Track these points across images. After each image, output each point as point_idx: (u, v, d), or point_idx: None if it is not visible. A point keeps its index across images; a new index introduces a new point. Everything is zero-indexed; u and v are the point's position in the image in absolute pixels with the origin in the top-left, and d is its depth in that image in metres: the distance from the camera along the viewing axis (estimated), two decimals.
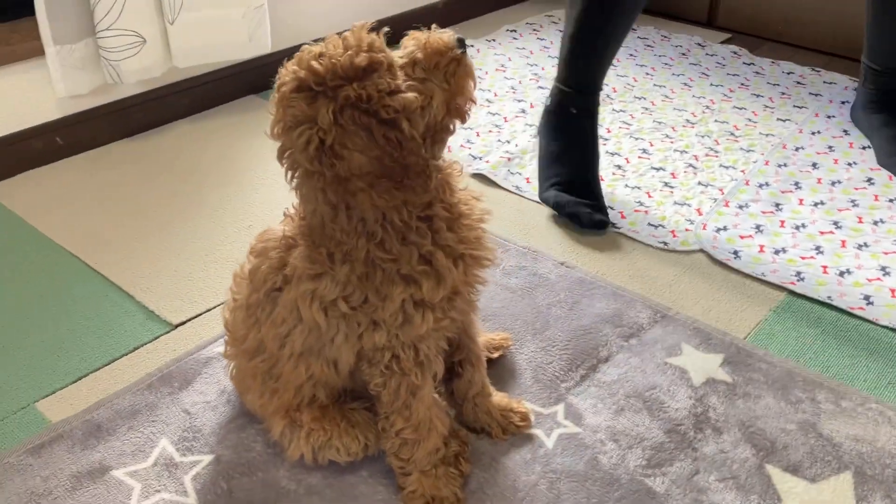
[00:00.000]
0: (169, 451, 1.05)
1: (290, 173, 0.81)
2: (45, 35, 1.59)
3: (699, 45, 2.35)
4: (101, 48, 1.63)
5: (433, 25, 0.85)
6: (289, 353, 0.93)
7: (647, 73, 2.18)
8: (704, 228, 1.53)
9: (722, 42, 2.39)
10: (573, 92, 1.60)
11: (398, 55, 0.83)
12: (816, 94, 2.06)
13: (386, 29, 0.82)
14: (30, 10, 1.59)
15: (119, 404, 1.12)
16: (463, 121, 0.86)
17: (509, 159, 1.75)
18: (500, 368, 1.19)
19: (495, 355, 1.19)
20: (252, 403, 1.04)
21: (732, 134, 1.87)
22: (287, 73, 0.79)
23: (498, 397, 1.10)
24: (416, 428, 0.95)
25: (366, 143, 0.77)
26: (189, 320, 1.28)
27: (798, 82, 2.13)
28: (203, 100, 1.88)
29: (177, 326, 1.28)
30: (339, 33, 0.80)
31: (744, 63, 2.24)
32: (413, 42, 0.84)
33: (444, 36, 0.83)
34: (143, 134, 1.85)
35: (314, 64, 0.78)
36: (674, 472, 1.04)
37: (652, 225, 1.55)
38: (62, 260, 1.43)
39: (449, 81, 0.83)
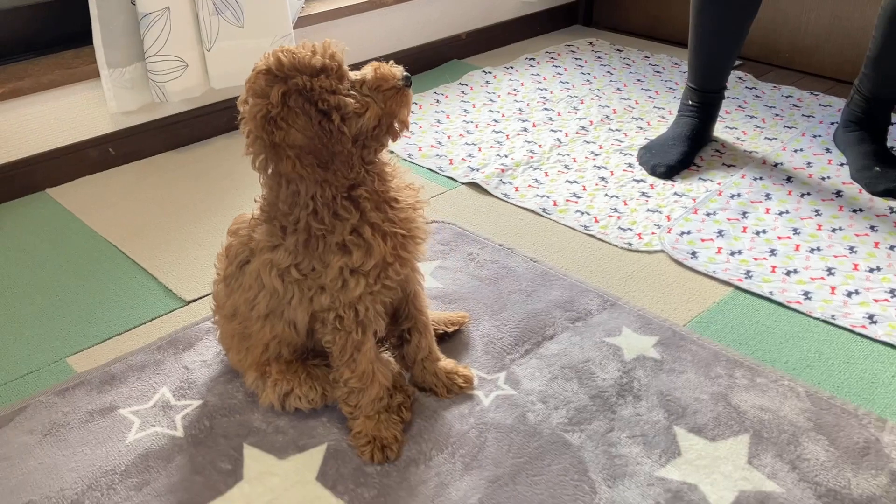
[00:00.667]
0: (167, 397, 1.26)
1: (248, 145, 1.02)
2: (101, 60, 1.86)
3: None
4: (149, 71, 1.89)
5: (391, 61, 1.05)
6: (256, 315, 1.14)
7: (650, 97, 2.34)
8: (669, 232, 1.68)
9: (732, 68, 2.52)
10: (690, 87, 1.98)
11: (354, 74, 1.03)
12: (809, 116, 2.18)
13: (403, 71, 1.03)
14: (90, 39, 1.86)
15: (132, 360, 1.34)
16: (394, 139, 1.06)
17: (503, 170, 1.93)
18: (456, 341, 1.37)
19: (451, 329, 1.36)
20: (232, 360, 1.25)
21: (718, 151, 2.01)
22: (261, 60, 1.00)
23: (445, 362, 1.27)
24: (361, 377, 1.13)
25: (303, 124, 0.97)
26: (199, 298, 1.50)
27: (794, 105, 2.25)
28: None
29: (189, 303, 1.50)
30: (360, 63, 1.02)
31: (746, 87, 2.37)
32: (370, 67, 1.04)
33: (394, 69, 1.04)
34: (186, 147, 2.10)
35: (281, 56, 0.99)
36: (591, 430, 1.19)
37: (622, 228, 1.70)
38: (102, 248, 1.67)
39: (386, 103, 1.03)
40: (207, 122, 2.11)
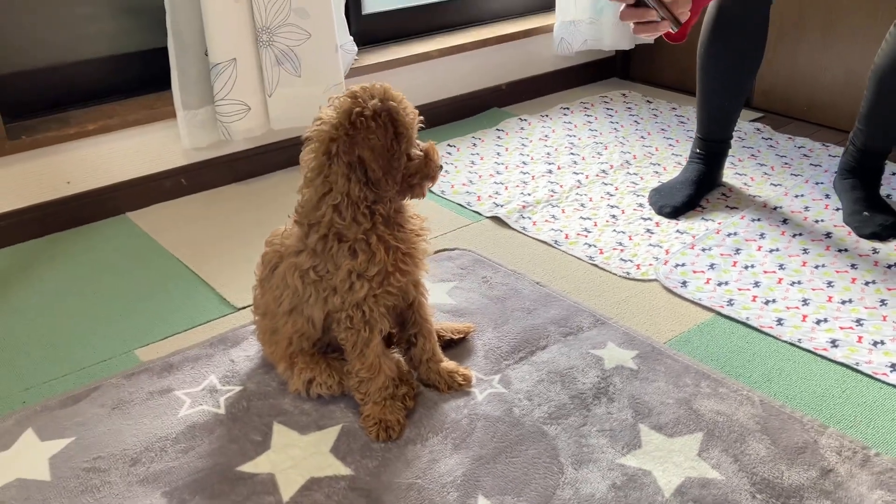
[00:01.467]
0: (214, 382, 1.51)
1: (321, 132, 1.27)
2: (177, 102, 2.16)
3: None
4: (218, 113, 2.19)
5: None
6: (282, 311, 1.38)
7: (671, 145, 2.53)
8: (666, 263, 1.86)
9: (752, 120, 2.71)
10: (697, 136, 2.18)
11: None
12: (816, 165, 2.34)
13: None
14: (169, 84, 2.17)
15: (188, 353, 1.60)
16: (412, 195, 1.34)
17: (524, 206, 2.15)
18: (462, 348, 1.58)
19: (457, 337, 1.58)
20: (266, 353, 1.49)
21: (724, 194, 2.19)
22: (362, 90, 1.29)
23: (447, 363, 1.49)
24: (369, 368, 1.36)
25: (382, 135, 1.24)
26: (248, 305, 1.75)
27: (805, 155, 2.42)
28: (295, 155, 2.39)
29: (239, 309, 1.75)
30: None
31: (762, 137, 2.55)
32: (428, 142, 1.34)
33: (440, 158, 1.35)
34: (248, 180, 2.39)
35: (387, 89, 1.29)
36: (566, 423, 1.39)
37: (623, 259, 1.90)
38: (171, 263, 1.95)
39: (424, 169, 1.32)
40: (267, 158, 2.40)
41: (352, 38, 2.43)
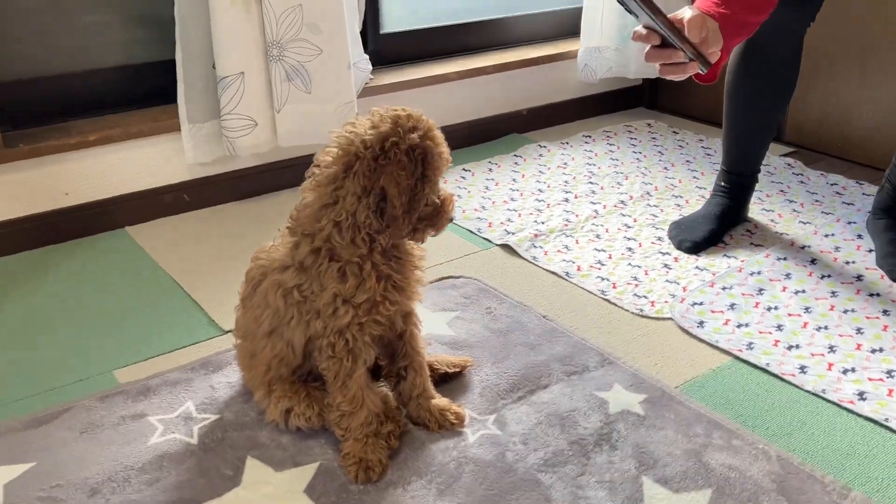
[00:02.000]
0: (190, 409, 1.42)
1: (349, 144, 1.18)
2: (183, 115, 2.10)
3: None
4: (223, 128, 2.12)
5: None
6: (262, 332, 1.29)
7: (695, 177, 2.42)
8: (682, 301, 1.75)
9: (783, 155, 2.59)
10: (722, 169, 2.07)
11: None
12: (849, 203, 2.22)
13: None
14: (175, 98, 2.10)
15: (168, 377, 1.51)
16: (415, 239, 1.25)
17: (536, 235, 2.05)
18: (456, 383, 1.48)
19: (452, 371, 1.48)
20: (245, 378, 1.40)
21: (749, 231, 2.08)
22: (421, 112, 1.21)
23: (439, 400, 1.38)
24: (351, 402, 1.26)
25: (409, 172, 1.15)
26: None
27: (837, 192, 2.30)
28: (302, 174, 2.32)
29: (227, 332, 1.66)
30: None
31: (793, 173, 2.43)
32: (446, 191, 1.25)
33: (454, 210, 1.29)
34: (253, 198, 2.31)
35: (434, 125, 1.20)
36: (563, 472, 1.27)
37: (637, 295, 1.79)
38: (163, 281, 1.87)
39: (435, 219, 1.24)
40: (273, 177, 2.32)
41: (366, 56, 2.36)
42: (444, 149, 1.20)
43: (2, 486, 1.25)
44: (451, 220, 1.25)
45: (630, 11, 1.36)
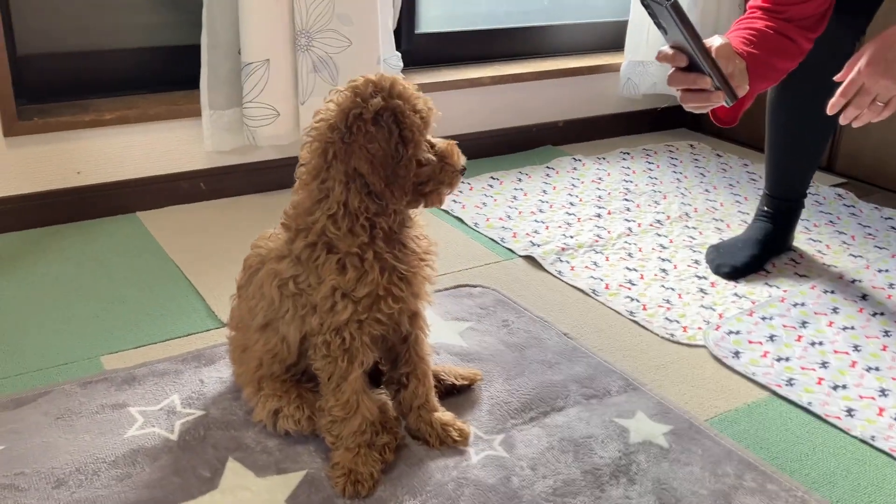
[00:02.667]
0: (175, 403, 1.31)
1: (318, 130, 1.09)
2: (204, 101, 2.01)
3: None
4: (245, 116, 2.03)
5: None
6: (255, 324, 1.18)
7: (738, 201, 2.28)
8: (717, 329, 1.61)
9: (832, 185, 2.44)
10: (765, 193, 1.93)
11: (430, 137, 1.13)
12: None
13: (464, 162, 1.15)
14: (197, 84, 2.02)
15: (156, 367, 1.40)
16: (426, 204, 1.14)
17: (563, 249, 1.93)
18: (464, 398, 1.36)
19: (459, 383, 1.35)
20: (236, 373, 1.29)
21: (793, 260, 1.93)
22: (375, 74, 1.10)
23: (442, 414, 1.26)
24: (344, 406, 1.14)
25: (384, 139, 1.05)
26: None
27: (893, 227, 2.14)
28: None
29: (225, 325, 1.55)
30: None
31: (844, 205, 2.28)
32: (444, 141, 1.14)
33: (461, 159, 1.14)
34: (272, 192, 2.22)
35: (395, 80, 1.09)
36: None
37: (668, 319, 1.65)
38: (168, 269, 1.77)
39: (440, 172, 1.12)
40: (293, 172, 2.22)
41: (398, 53, 2.26)
42: (419, 101, 1.09)
43: None
44: (460, 170, 1.14)
45: (659, 25, 1.26)
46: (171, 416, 1.28)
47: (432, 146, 1.12)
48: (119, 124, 1.97)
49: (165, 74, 2.13)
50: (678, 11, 1.17)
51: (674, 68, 1.30)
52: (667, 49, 1.29)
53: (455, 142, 1.15)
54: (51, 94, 2.00)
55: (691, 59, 1.26)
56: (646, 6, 1.23)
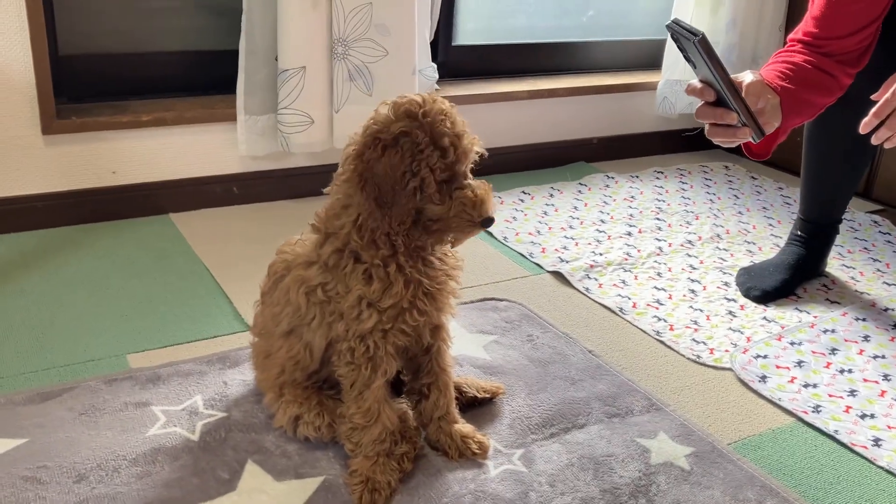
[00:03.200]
0: (197, 404, 1.32)
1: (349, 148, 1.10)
2: (240, 106, 2.04)
3: None
4: (279, 122, 2.05)
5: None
6: (279, 331, 1.19)
7: (771, 224, 2.26)
8: (745, 353, 1.59)
9: (869, 212, 2.40)
10: (799, 217, 1.90)
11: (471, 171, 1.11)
12: None
13: (491, 213, 1.11)
14: (234, 89, 2.05)
15: (181, 367, 1.42)
16: (441, 243, 1.12)
17: (592, 266, 1.91)
18: (485, 411, 1.35)
19: (481, 395, 1.35)
20: (258, 379, 1.30)
21: (825, 286, 1.90)
22: (421, 97, 1.09)
23: (462, 426, 1.26)
24: (365, 414, 1.14)
25: (391, 164, 1.04)
26: None
27: None
28: None
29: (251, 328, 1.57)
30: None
31: (879, 232, 2.24)
32: (482, 184, 1.10)
33: (489, 206, 1.09)
34: (304, 198, 2.23)
35: (435, 107, 1.07)
36: None
37: (695, 340, 1.64)
38: (198, 271, 1.79)
39: (455, 218, 1.08)
40: (326, 179, 2.22)
41: (434, 65, 2.27)
42: (445, 139, 1.05)
43: None
44: (481, 221, 1.08)
45: (688, 59, 1.26)
46: (193, 416, 1.29)
47: (458, 187, 1.08)
48: (155, 126, 2.00)
49: (203, 78, 2.16)
50: (705, 46, 1.17)
51: (702, 102, 1.30)
52: (696, 83, 1.29)
53: (491, 188, 1.10)
54: (90, 95, 2.04)
55: (719, 95, 1.26)
56: (675, 40, 1.23)
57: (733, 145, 1.34)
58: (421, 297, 1.12)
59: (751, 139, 1.30)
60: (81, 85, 2.03)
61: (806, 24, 1.54)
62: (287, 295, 1.17)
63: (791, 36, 1.57)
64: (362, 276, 1.09)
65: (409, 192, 1.05)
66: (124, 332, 1.54)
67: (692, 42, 1.17)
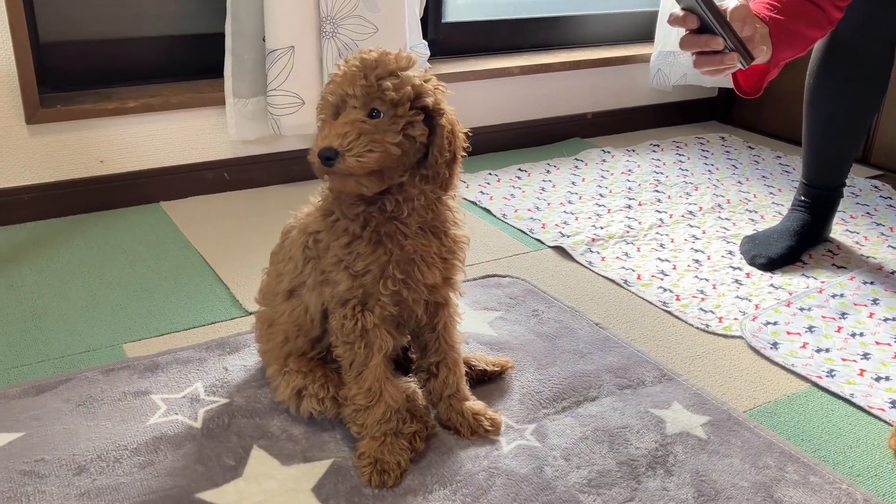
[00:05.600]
0: (198, 391, 1.28)
1: None
2: (228, 89, 1.99)
3: None
4: (269, 104, 2.01)
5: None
6: (282, 290, 1.16)
7: (771, 192, 2.23)
8: (754, 319, 1.56)
9: (868, 177, 2.38)
10: (802, 182, 1.87)
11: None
12: None
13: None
14: (222, 71, 2.00)
15: (179, 355, 1.38)
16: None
17: (594, 240, 1.88)
18: (494, 387, 1.32)
19: (491, 369, 1.32)
20: (260, 351, 1.26)
21: (830, 251, 1.87)
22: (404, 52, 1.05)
23: (473, 403, 1.22)
24: (366, 394, 1.11)
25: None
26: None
27: None
28: None
29: (250, 314, 1.53)
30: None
31: (881, 196, 2.22)
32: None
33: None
34: (298, 182, 2.19)
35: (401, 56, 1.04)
36: (609, 495, 1.10)
37: (703, 310, 1.61)
38: (192, 257, 1.75)
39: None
40: None
41: (425, 42, 2.22)
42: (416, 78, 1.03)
43: None
44: (311, 160, 1.03)
45: None
46: (194, 403, 1.25)
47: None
48: (142, 112, 1.95)
49: (189, 63, 2.11)
50: None
51: (686, 31, 1.25)
52: (678, 11, 1.23)
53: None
54: (74, 83, 1.99)
55: (702, 21, 1.21)
56: None
57: (723, 75, 1.29)
58: (394, 263, 1.07)
59: (739, 65, 1.25)
60: (65, 73, 1.98)
61: None
62: (290, 251, 1.14)
63: None
64: (341, 231, 1.06)
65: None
66: (119, 321, 1.50)
67: None
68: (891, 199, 2.21)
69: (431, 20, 2.38)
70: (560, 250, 1.85)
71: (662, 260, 1.81)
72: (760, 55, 1.29)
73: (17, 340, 1.43)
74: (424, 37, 2.25)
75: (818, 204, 1.85)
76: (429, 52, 2.24)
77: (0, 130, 1.82)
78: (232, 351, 1.39)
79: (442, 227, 1.12)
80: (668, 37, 2.55)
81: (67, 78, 1.98)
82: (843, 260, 1.83)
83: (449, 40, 2.45)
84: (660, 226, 1.99)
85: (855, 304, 1.63)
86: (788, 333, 1.52)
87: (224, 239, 1.84)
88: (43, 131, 1.87)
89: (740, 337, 1.52)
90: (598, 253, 1.83)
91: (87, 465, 1.12)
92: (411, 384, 1.23)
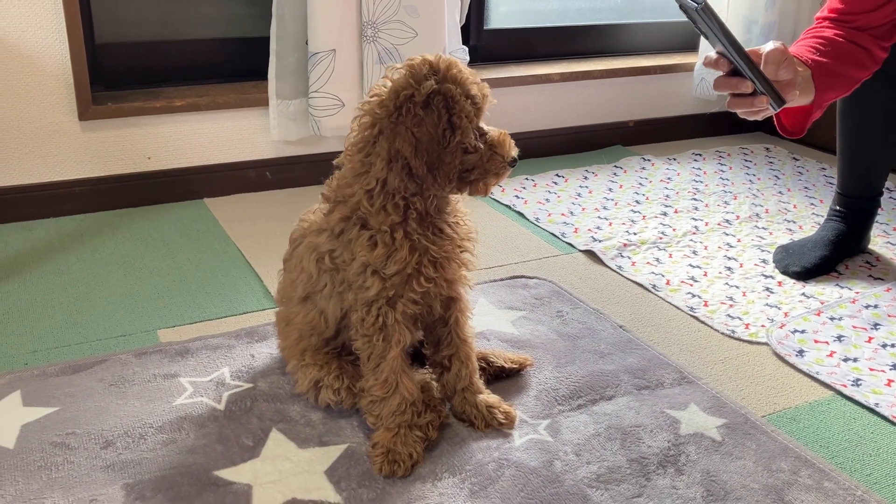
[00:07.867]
0: (224, 375, 1.33)
1: (368, 108, 1.09)
2: (272, 91, 2.05)
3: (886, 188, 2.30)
4: (310, 106, 2.06)
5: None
6: (297, 297, 1.19)
7: (812, 203, 2.20)
8: (782, 327, 1.55)
9: (885, 177, 2.33)
10: (837, 192, 1.85)
11: (482, 125, 1.12)
12: None
13: (515, 154, 1.13)
14: (266, 73, 2.06)
15: (209, 341, 1.43)
16: (471, 193, 1.13)
17: (625, 245, 1.88)
18: (511, 382, 1.33)
19: (508, 365, 1.33)
20: (280, 347, 1.30)
21: (868, 262, 1.84)
22: (434, 55, 1.09)
23: (488, 396, 1.24)
24: (382, 386, 1.14)
25: (433, 123, 1.04)
26: None
27: None
28: None
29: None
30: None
31: None
32: (497, 130, 1.12)
33: (512, 150, 1.12)
34: None
35: (452, 62, 1.08)
36: (617, 491, 1.11)
37: (730, 316, 1.60)
38: (230, 252, 1.81)
39: (487, 162, 1.11)
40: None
41: (464, 47, 2.26)
42: (473, 87, 1.07)
43: (19, 427, 1.19)
44: (509, 161, 1.11)
45: (700, 31, 1.22)
46: (219, 387, 1.30)
47: (483, 134, 1.11)
48: (189, 111, 2.02)
49: (235, 65, 2.18)
50: (709, 14, 1.14)
51: (720, 73, 1.27)
52: (712, 54, 1.25)
53: (507, 131, 1.13)
54: (126, 82, 2.07)
55: (733, 64, 1.22)
56: (685, 12, 1.20)
57: (757, 117, 1.30)
58: (427, 264, 1.10)
59: (770, 108, 1.26)
60: (117, 72, 2.06)
61: (831, 2, 1.50)
62: (301, 262, 1.17)
63: (818, 14, 1.52)
64: (367, 242, 1.09)
65: (451, 149, 1.05)
66: (156, 308, 1.56)
67: (696, 11, 1.14)
68: None
69: (473, 26, 2.42)
70: (591, 254, 1.85)
71: (693, 266, 1.80)
72: (793, 98, 1.29)
73: (59, 323, 1.49)
74: (465, 43, 2.29)
75: (853, 214, 1.83)
76: (468, 58, 2.27)
77: (54, 126, 1.91)
78: (260, 339, 1.44)
79: (451, 225, 1.15)
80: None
81: (120, 77, 2.06)
82: (881, 272, 1.80)
83: (490, 46, 2.47)
84: (694, 233, 1.98)
85: (889, 316, 1.60)
86: (816, 342, 1.51)
87: (262, 235, 1.90)
88: (94, 127, 1.95)
89: (766, 344, 1.50)
90: (629, 258, 1.83)
91: (113, 439, 1.17)
92: (425, 376, 1.26)
